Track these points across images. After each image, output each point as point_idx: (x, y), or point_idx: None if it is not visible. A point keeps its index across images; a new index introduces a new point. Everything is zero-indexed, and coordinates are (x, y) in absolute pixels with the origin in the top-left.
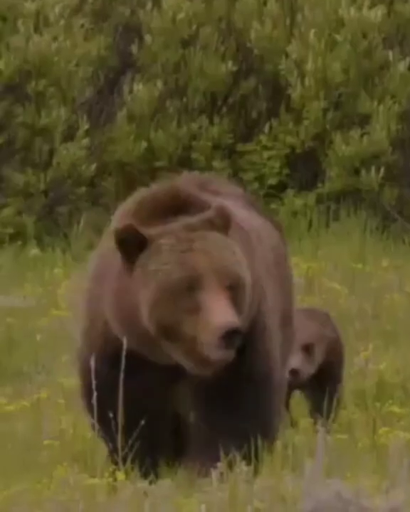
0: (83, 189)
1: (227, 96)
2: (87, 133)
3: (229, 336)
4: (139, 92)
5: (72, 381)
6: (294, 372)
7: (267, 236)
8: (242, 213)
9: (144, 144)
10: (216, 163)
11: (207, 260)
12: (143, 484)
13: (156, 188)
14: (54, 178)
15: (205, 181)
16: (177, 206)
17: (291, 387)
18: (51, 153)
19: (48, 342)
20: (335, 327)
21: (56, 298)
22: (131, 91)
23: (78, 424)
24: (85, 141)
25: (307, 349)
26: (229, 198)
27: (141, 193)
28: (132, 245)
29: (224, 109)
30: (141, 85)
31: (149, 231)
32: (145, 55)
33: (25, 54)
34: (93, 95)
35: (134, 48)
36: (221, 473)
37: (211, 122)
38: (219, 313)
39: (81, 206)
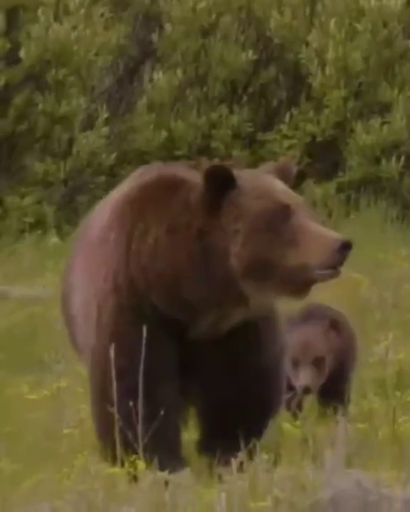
0: (103, 178)
1: (247, 85)
2: (106, 122)
3: (345, 248)
4: (159, 81)
5: None
6: (306, 390)
7: None
8: None
9: (163, 133)
10: (235, 152)
11: (293, 196)
12: (163, 473)
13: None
14: (74, 167)
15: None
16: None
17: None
18: (71, 142)
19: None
20: (347, 325)
21: None
22: (151, 80)
23: None
24: (105, 130)
25: (318, 363)
26: None
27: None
28: (222, 183)
29: (244, 98)
30: (161, 74)
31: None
32: (165, 44)
33: (45, 43)
34: (113, 84)
35: (154, 37)
36: (241, 463)
37: (231, 111)
38: (328, 231)
39: (101, 195)
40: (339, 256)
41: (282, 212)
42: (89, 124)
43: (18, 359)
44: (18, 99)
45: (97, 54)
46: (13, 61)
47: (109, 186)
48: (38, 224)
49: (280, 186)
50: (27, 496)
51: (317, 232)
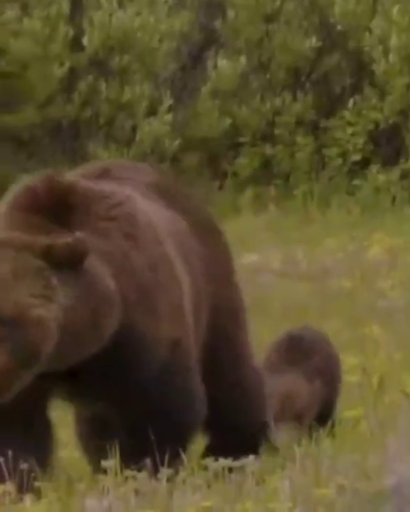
0: (166, 165)
1: (310, 72)
2: (170, 108)
3: None
4: (223, 67)
5: None
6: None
7: (171, 229)
8: (139, 201)
9: (227, 120)
10: (299, 139)
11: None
12: (227, 461)
13: (37, 179)
14: (137, 153)
15: (110, 168)
16: (55, 200)
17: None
18: (134, 128)
19: None
20: (328, 352)
21: None
22: (214, 66)
23: None
24: (168, 117)
25: (298, 418)
26: (128, 185)
27: (21, 185)
28: None
29: (307, 85)
30: (224, 61)
31: None
32: (228, 31)
33: (108, 29)
34: (176, 71)
35: (217, 24)
36: (305, 450)
37: (295, 98)
38: None
39: None
40: None
41: None
42: (152, 111)
43: None
44: (82, 86)
45: (160, 41)
46: (77, 48)
47: (173, 173)
48: None
49: None
50: (90, 484)
51: None
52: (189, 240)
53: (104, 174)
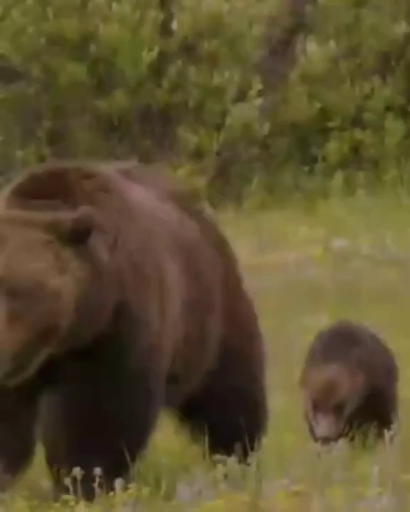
0: (256, 149)
1: (400, 56)
2: (259, 93)
3: None
4: (312, 52)
5: None
6: (325, 441)
7: (180, 232)
8: (150, 200)
9: (316, 104)
10: (388, 124)
11: None
12: (315, 445)
13: (48, 167)
14: (227, 138)
15: (131, 170)
16: (53, 190)
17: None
18: (224, 113)
19: None
20: (379, 351)
21: None
22: (304, 51)
23: None
24: (258, 102)
25: (338, 409)
26: (145, 186)
27: (30, 170)
28: None
29: (397, 70)
30: (314, 45)
31: None
32: (318, 15)
33: (198, 14)
34: (266, 55)
35: (307, 8)
36: (392, 436)
37: (384, 83)
38: None
39: (253, 166)
40: None
41: None
42: (242, 96)
43: None
44: (172, 71)
45: (249, 25)
46: (166, 32)
47: (263, 158)
48: None
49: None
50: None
51: None
52: (201, 247)
53: (124, 175)
